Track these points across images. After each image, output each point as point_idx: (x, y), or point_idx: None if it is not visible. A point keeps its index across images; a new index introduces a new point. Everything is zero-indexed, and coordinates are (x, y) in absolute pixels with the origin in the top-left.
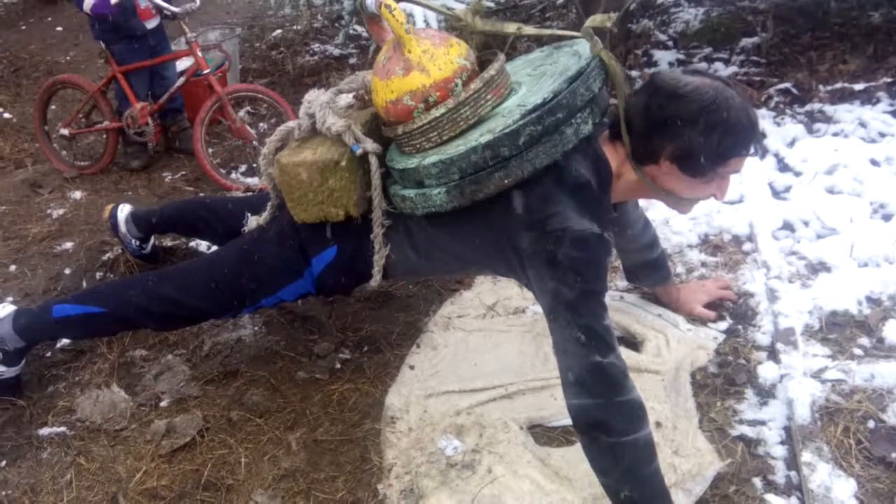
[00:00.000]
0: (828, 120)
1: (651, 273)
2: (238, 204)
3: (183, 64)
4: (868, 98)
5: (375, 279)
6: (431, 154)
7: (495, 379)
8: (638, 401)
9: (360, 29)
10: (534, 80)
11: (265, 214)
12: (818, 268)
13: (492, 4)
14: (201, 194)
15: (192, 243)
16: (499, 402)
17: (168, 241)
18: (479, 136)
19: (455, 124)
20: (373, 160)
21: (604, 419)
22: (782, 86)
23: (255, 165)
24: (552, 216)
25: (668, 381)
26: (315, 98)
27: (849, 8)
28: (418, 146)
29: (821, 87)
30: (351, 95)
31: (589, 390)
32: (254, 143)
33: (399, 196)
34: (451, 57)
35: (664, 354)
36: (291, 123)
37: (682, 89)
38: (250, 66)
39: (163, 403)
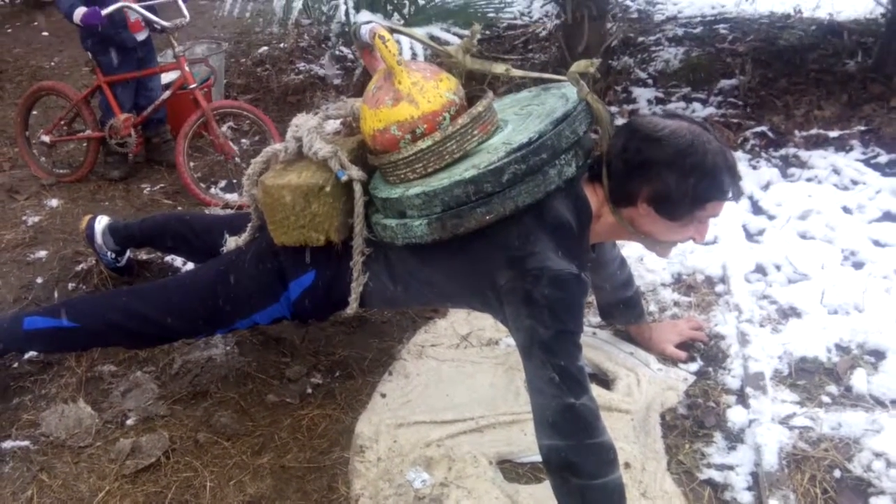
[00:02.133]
0: (802, 165)
1: (625, 311)
2: (218, 223)
3: (167, 76)
4: (842, 145)
5: (352, 307)
6: (415, 185)
7: (466, 411)
8: (609, 444)
9: (345, 50)
10: (520, 119)
11: (244, 236)
12: (789, 313)
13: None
14: (179, 209)
15: (168, 258)
16: (469, 435)
17: (143, 255)
18: (464, 171)
19: (440, 157)
20: (357, 188)
21: (575, 461)
22: (758, 129)
23: (234, 181)
24: (531, 255)
25: (637, 421)
26: (303, 122)
27: (826, 55)
28: (403, 176)
29: (796, 131)
30: (339, 121)
31: (561, 431)
32: (235, 159)
33: (380, 225)
34: (440, 90)
35: (635, 394)
36: (278, 146)
37: (659, 132)
38: (235, 82)
39: (129, 421)
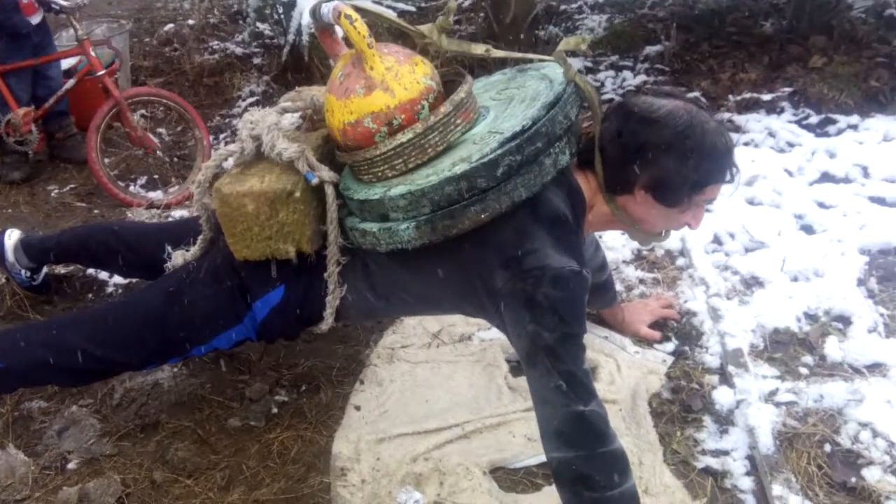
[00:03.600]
0: (738, 129)
1: (601, 295)
2: (152, 233)
3: (66, 63)
4: (773, 107)
5: (327, 322)
6: (397, 184)
7: (449, 417)
8: (621, 451)
9: (262, 26)
10: (501, 104)
11: (194, 249)
12: (752, 283)
13: (412, 8)
14: (96, 212)
15: (91, 270)
16: (456, 443)
17: (61, 269)
18: (453, 166)
19: (422, 151)
20: (329, 190)
21: (587, 473)
22: (690, 95)
23: (156, 177)
24: (529, 253)
25: (626, 410)
26: (260, 118)
27: (742, 17)
28: (380, 174)
29: (730, 96)
30: (297, 115)
31: (570, 442)
32: (157, 152)
33: (358, 230)
34: (417, 76)
35: (617, 381)
36: (232, 147)
37: (655, 114)
38: (141, 64)
39: (71, 465)
